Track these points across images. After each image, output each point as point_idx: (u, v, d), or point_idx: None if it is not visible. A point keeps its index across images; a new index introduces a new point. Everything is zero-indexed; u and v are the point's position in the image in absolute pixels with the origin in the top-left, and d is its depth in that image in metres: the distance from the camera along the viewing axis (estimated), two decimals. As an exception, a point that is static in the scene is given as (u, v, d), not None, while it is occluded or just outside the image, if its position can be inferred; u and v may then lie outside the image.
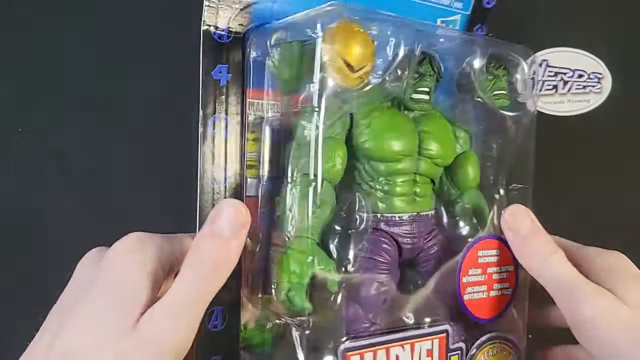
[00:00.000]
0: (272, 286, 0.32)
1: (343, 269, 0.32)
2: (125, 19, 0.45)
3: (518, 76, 0.39)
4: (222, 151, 0.34)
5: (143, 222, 0.46)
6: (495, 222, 0.37)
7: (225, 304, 0.33)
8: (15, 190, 0.46)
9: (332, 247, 0.32)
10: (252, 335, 0.34)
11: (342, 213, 0.33)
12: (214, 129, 0.33)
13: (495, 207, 0.38)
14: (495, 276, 0.36)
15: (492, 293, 0.36)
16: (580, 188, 0.48)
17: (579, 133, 0.47)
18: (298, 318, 0.31)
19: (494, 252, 0.36)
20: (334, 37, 0.31)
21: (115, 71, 0.45)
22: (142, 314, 0.26)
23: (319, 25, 0.31)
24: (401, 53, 0.33)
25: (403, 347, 0.33)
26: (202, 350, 0.33)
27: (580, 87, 0.50)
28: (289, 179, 0.32)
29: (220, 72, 0.33)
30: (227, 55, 0.33)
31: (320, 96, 0.30)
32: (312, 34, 0.31)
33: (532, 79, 0.39)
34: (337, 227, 0.33)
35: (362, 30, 0.31)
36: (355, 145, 0.34)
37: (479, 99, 0.37)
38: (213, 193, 0.33)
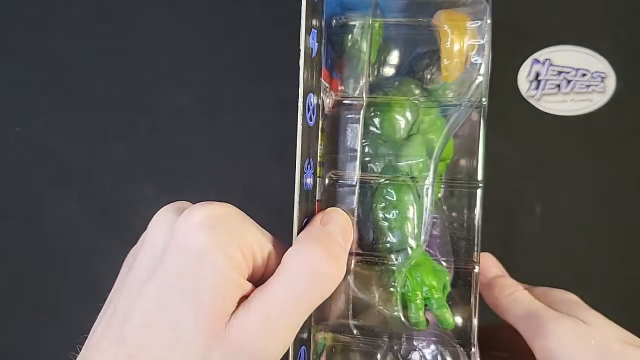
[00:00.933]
0: (395, 307, 0.27)
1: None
2: (126, 19, 0.45)
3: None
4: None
5: (143, 222, 0.46)
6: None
7: (306, 343, 0.26)
8: (15, 190, 0.46)
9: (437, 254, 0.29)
10: None
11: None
12: (308, 112, 0.25)
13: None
14: None
15: None
16: (583, 187, 0.48)
17: (582, 133, 0.46)
18: (455, 339, 0.28)
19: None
20: (457, 25, 0.28)
21: (115, 71, 0.45)
22: (231, 315, 0.21)
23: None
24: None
25: None
26: None
27: (584, 86, 0.49)
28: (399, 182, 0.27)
29: (313, 39, 0.25)
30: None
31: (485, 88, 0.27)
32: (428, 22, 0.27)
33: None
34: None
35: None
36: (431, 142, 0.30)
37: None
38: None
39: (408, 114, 0.28)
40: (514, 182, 0.42)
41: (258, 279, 0.23)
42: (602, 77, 0.49)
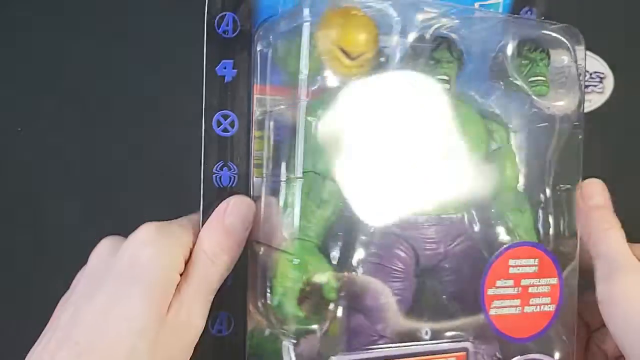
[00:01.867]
0: (267, 291, 0.30)
1: (344, 276, 0.29)
2: (126, 19, 0.45)
3: (558, 63, 0.34)
4: (229, 150, 0.32)
5: (143, 222, 0.46)
6: (540, 229, 0.33)
7: (230, 310, 0.32)
8: (15, 190, 0.46)
9: (334, 251, 0.30)
10: (260, 343, 0.32)
11: (348, 214, 0.30)
12: (218, 126, 0.32)
13: (540, 212, 0.34)
14: (532, 289, 0.32)
15: (528, 309, 0.32)
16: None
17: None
18: (287, 327, 0.29)
19: (530, 261, 0.32)
20: (328, 22, 0.28)
21: (115, 71, 0.45)
22: (169, 306, 0.27)
23: (306, 10, 0.28)
24: (411, 38, 0.30)
25: None
26: (206, 357, 0.31)
27: (582, 86, 0.50)
28: (287, 177, 0.30)
29: (225, 68, 0.31)
30: (232, 51, 0.31)
31: (308, 87, 0.29)
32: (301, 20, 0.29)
33: (577, 66, 0.35)
34: (341, 230, 0.30)
35: (360, 14, 0.29)
36: None
37: (515, 87, 0.33)
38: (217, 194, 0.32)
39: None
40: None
41: None
42: (601, 78, 0.50)
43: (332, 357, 0.29)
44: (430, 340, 0.31)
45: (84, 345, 0.25)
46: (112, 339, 0.25)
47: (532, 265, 0.32)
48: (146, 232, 0.29)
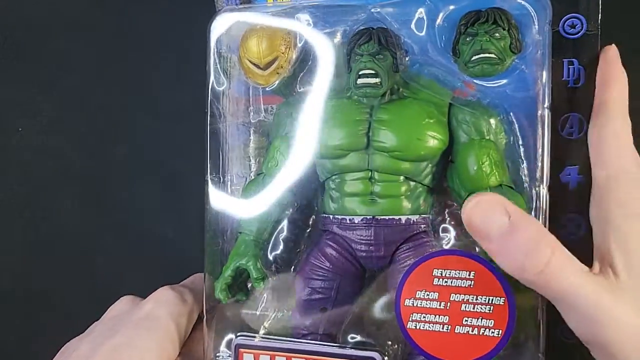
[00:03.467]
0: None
1: (273, 269, 0.32)
2: (126, 19, 0.45)
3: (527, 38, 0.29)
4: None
5: (143, 222, 0.46)
6: None
7: None
8: (16, 190, 0.46)
9: (271, 245, 0.33)
10: None
11: (290, 211, 0.33)
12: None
13: (532, 213, 0.29)
14: (465, 307, 0.27)
15: (460, 329, 0.27)
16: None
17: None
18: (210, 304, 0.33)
19: (464, 274, 0.27)
20: (240, 40, 0.32)
21: (115, 71, 0.45)
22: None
23: (211, 33, 0.32)
24: (338, 38, 0.32)
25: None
26: None
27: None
28: (226, 178, 0.34)
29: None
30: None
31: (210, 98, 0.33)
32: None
33: (545, 41, 0.29)
34: (282, 226, 0.33)
35: (259, 27, 0.31)
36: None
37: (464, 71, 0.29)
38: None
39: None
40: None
41: None
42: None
43: (240, 337, 0.31)
44: (343, 343, 0.30)
45: None
46: None
47: (466, 279, 0.27)
48: (164, 293, 0.33)
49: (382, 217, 0.30)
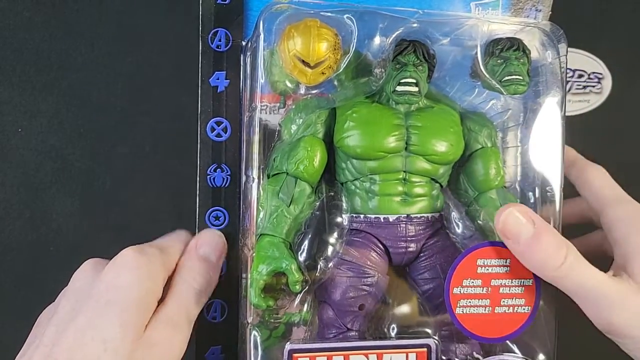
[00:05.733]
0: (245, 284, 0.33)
1: (315, 271, 0.31)
2: (127, 21, 0.45)
3: (545, 62, 0.35)
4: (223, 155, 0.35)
5: (143, 222, 0.46)
6: None
7: (224, 298, 0.35)
8: (16, 191, 0.46)
9: (304, 246, 0.32)
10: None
11: (318, 212, 0.33)
12: (212, 132, 0.35)
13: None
14: (503, 290, 0.32)
15: (499, 309, 0.32)
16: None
17: (579, 133, 0.46)
18: (252, 317, 0.32)
19: (502, 261, 0.31)
20: (287, 34, 0.31)
21: (115, 71, 0.45)
22: (147, 324, 0.29)
23: (260, 23, 0.31)
24: (375, 43, 0.32)
25: (367, 357, 0.31)
26: (202, 341, 0.35)
27: (581, 87, 0.50)
28: (261, 179, 0.32)
29: (218, 79, 0.35)
30: (225, 63, 0.35)
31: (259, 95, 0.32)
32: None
33: (560, 66, 0.34)
34: (310, 227, 0.33)
35: (318, 24, 0.31)
36: (336, 142, 0.32)
37: (490, 87, 0.34)
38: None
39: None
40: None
41: None
42: (599, 78, 0.50)
43: (288, 343, 0.31)
44: (396, 335, 0.33)
45: None
46: (91, 356, 0.27)
47: (503, 266, 0.31)
48: (125, 257, 0.30)
49: (415, 215, 0.32)
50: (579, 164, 0.35)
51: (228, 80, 0.35)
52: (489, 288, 0.31)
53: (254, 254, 0.31)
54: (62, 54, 0.45)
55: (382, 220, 0.32)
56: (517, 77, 0.33)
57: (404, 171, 0.32)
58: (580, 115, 0.50)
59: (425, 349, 0.31)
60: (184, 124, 0.43)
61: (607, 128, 0.50)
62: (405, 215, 0.32)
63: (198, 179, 0.35)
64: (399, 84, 0.32)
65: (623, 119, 0.50)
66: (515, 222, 0.30)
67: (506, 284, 0.32)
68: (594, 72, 0.49)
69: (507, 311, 0.32)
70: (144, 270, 0.30)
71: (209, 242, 0.34)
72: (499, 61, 0.33)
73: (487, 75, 0.33)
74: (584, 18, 0.50)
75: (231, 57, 0.35)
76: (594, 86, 0.50)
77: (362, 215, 0.32)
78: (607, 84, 0.50)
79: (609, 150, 0.50)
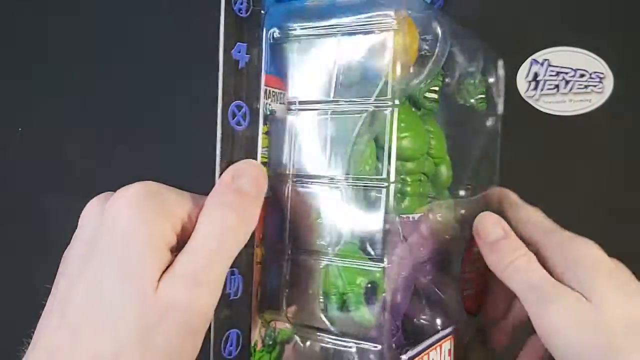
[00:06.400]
0: (319, 299, 0.28)
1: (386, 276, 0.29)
2: (126, 19, 0.45)
3: (492, 80, 0.39)
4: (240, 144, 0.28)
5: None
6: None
7: (240, 327, 0.28)
8: (16, 190, 0.46)
9: (377, 250, 0.29)
10: (261, 357, 0.31)
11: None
12: (233, 118, 0.27)
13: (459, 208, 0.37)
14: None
15: (478, 288, 0.37)
16: (582, 188, 0.48)
17: (581, 133, 0.46)
18: (356, 340, 0.28)
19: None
20: (410, 28, 0.28)
21: (115, 71, 0.45)
22: (159, 280, 0.23)
23: (392, 12, 0.27)
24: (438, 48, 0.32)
25: (436, 350, 0.32)
26: None
27: (582, 86, 0.50)
28: (332, 182, 0.29)
29: (240, 52, 0.28)
30: (246, 32, 0.28)
31: (394, 91, 0.28)
32: (378, 19, 0.28)
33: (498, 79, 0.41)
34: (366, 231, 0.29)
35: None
36: (382, 143, 0.30)
37: (463, 102, 0.37)
38: None
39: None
40: (512, 181, 0.42)
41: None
42: (601, 78, 0.50)
43: (407, 352, 0.29)
44: (438, 328, 0.34)
45: (75, 328, 0.23)
46: (98, 325, 0.22)
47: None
48: (132, 194, 0.24)
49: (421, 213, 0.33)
50: (516, 205, 0.37)
51: (248, 56, 0.28)
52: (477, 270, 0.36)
53: (329, 266, 0.28)
54: (63, 54, 0.45)
55: (410, 220, 0.33)
56: (483, 95, 0.38)
57: (423, 172, 0.33)
58: (581, 115, 0.50)
59: (453, 334, 0.34)
60: (185, 123, 0.43)
61: (608, 128, 0.50)
62: (422, 214, 0.33)
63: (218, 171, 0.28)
64: (429, 90, 0.33)
65: (625, 119, 0.50)
66: (490, 224, 0.34)
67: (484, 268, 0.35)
68: (595, 72, 0.49)
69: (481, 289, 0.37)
70: (151, 211, 0.23)
71: (247, 172, 0.26)
72: (471, 81, 0.37)
73: (465, 93, 0.37)
74: (586, 17, 0.49)
75: (251, 25, 0.28)
76: (595, 85, 0.49)
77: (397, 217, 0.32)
78: (609, 83, 0.50)
79: (610, 150, 0.50)
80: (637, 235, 0.46)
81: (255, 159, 0.28)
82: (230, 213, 0.24)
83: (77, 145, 0.45)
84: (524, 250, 0.33)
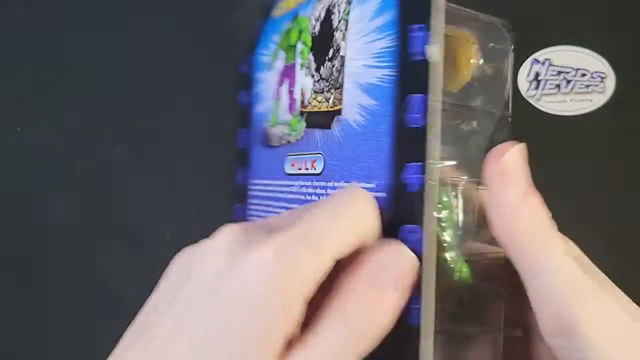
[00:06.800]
0: None
1: None
2: (126, 19, 0.45)
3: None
4: None
5: (143, 222, 0.46)
6: None
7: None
8: (15, 190, 0.46)
9: None
10: None
11: None
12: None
13: None
14: None
15: None
16: (583, 188, 0.48)
17: (582, 133, 0.46)
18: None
19: None
20: (459, 37, 0.29)
21: (115, 71, 0.45)
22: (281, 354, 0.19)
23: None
24: None
25: None
26: None
27: (583, 86, 0.49)
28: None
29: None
30: None
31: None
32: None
33: None
34: None
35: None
36: None
37: None
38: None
39: None
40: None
41: None
42: (602, 77, 0.49)
43: None
44: None
45: None
46: None
47: None
48: (264, 260, 0.19)
49: None
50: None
51: None
52: None
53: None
54: (62, 53, 0.45)
55: None
56: None
57: None
58: (583, 115, 0.49)
59: None
60: (185, 123, 0.43)
61: (610, 128, 0.49)
62: None
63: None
64: None
65: (626, 119, 0.50)
66: (518, 166, 0.26)
67: None
68: (597, 71, 0.49)
69: None
70: (284, 288, 0.19)
71: (391, 264, 0.21)
72: None
73: None
74: (587, 16, 0.49)
75: None
76: (596, 85, 0.49)
77: None
78: (610, 83, 0.49)
79: (611, 150, 0.49)
80: (638, 235, 0.46)
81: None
82: (365, 318, 0.20)
83: (77, 145, 0.45)
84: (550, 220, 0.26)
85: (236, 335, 0.19)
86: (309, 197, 0.31)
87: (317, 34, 0.31)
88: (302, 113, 0.33)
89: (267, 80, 0.36)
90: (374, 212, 0.22)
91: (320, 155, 0.30)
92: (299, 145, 0.33)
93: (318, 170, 0.30)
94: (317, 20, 0.32)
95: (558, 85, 0.49)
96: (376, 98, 0.26)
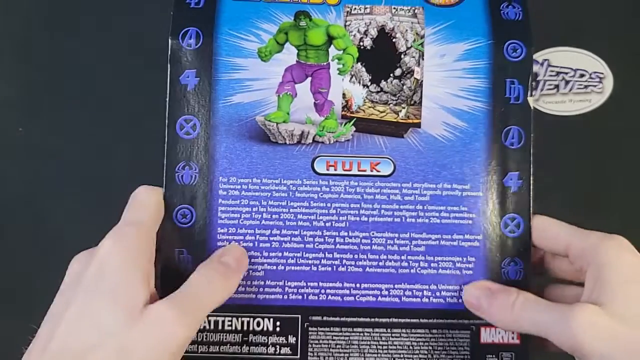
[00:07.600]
0: None
1: None
2: (126, 19, 0.45)
3: None
4: None
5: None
6: None
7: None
8: (15, 190, 0.46)
9: None
10: None
11: None
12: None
13: None
14: None
15: None
16: (581, 188, 0.48)
17: (580, 133, 0.46)
18: None
19: None
20: None
21: (115, 71, 0.45)
22: (143, 308, 0.28)
23: None
24: None
25: None
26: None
27: (582, 86, 0.50)
28: None
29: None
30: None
31: None
32: None
33: None
34: None
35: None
36: None
37: None
38: None
39: None
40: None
41: None
42: (600, 78, 0.50)
43: None
44: None
45: (57, 353, 0.27)
46: (87, 346, 0.26)
47: None
48: (105, 246, 0.30)
49: None
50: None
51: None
52: None
53: None
54: (63, 53, 0.45)
55: None
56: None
57: None
58: (581, 115, 0.50)
59: None
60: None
61: (608, 128, 0.50)
62: None
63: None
64: None
65: (625, 119, 0.50)
66: (475, 296, 0.33)
67: None
68: (595, 72, 0.49)
69: None
70: (125, 251, 0.30)
71: (232, 252, 0.33)
72: None
73: None
74: (585, 17, 0.49)
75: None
76: (595, 86, 0.49)
77: None
78: (609, 83, 0.50)
79: (610, 150, 0.50)
80: (638, 235, 0.46)
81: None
82: (216, 276, 0.31)
83: (78, 145, 0.45)
84: (515, 295, 0.32)
85: (104, 289, 0.28)
86: (369, 197, 0.34)
87: (368, 48, 0.35)
88: (345, 116, 0.35)
89: (255, 70, 0.35)
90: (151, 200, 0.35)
91: (387, 159, 0.34)
92: (343, 147, 0.34)
93: (386, 172, 0.34)
94: (366, 35, 0.35)
95: (557, 86, 0.49)
96: (467, 122, 0.34)
